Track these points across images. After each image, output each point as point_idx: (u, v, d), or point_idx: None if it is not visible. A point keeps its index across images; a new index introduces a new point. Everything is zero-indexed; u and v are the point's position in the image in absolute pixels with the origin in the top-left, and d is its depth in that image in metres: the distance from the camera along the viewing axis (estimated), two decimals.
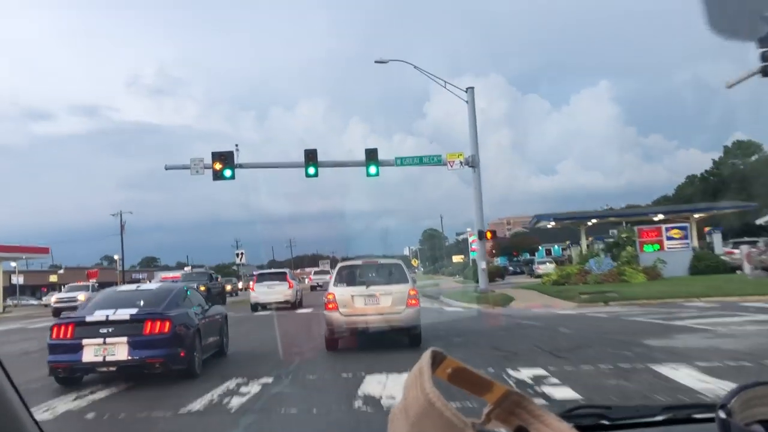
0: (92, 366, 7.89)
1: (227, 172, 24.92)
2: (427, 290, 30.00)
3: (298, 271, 61.47)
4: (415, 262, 74.18)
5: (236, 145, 25.56)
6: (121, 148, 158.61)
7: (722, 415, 0.74)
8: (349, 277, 11.10)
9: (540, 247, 66.39)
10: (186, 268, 56.42)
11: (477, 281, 27.42)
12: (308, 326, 15.40)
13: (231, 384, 7.74)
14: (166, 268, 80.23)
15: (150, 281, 32.36)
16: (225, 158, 24.96)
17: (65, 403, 7.08)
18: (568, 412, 1.38)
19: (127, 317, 8.00)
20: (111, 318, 7.98)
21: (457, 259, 71.51)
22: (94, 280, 40.20)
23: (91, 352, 7.81)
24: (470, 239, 49.23)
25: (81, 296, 29.88)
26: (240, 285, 50.86)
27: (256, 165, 27.50)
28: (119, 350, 7.84)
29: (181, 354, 8.14)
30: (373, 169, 25.42)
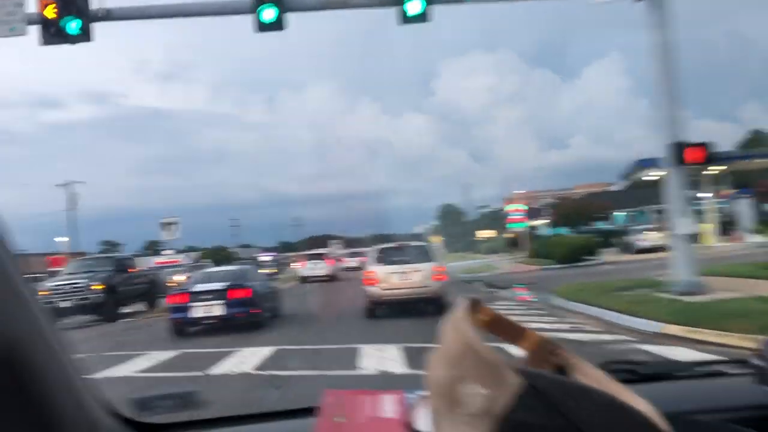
0: (199, 320, 11.83)
1: (71, 25, 11.10)
2: (488, 278, 22.49)
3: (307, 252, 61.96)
4: (437, 239, 71.21)
5: None
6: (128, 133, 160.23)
7: (758, 362, 0.79)
8: (385, 257, 13.37)
9: (612, 214, 52.05)
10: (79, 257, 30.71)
11: (557, 260, 25.96)
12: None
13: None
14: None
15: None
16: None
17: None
18: (599, 366, 1.28)
19: (220, 287, 11.93)
20: (210, 289, 11.93)
21: (484, 234, 68.33)
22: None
23: (198, 311, 11.76)
24: (508, 208, 47.04)
25: None
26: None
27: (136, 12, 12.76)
28: (216, 309, 11.74)
29: (255, 312, 12.01)
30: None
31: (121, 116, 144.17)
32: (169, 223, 30.22)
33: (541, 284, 16.31)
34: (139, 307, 19.40)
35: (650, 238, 29.68)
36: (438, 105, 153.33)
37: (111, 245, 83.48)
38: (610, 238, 38.10)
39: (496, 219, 72.11)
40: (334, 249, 61.35)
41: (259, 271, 17.06)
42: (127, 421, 1.12)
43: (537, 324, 9.76)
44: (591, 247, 28.23)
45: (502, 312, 0.73)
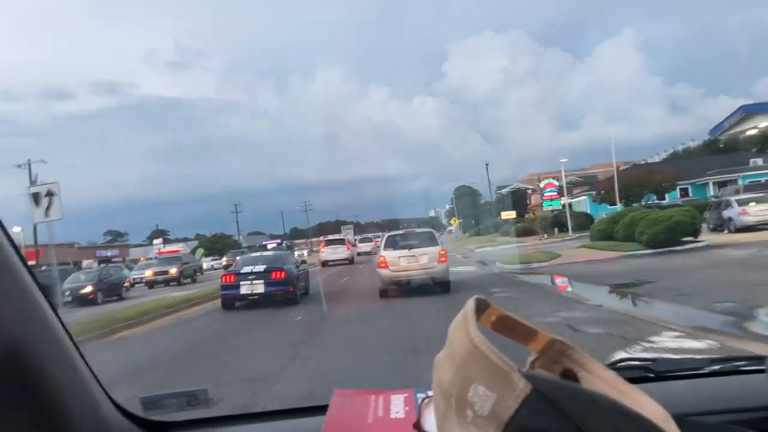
0: (245, 296, 14.56)
1: None
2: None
3: (321, 238, 58.19)
4: (455, 222, 69.98)
5: None
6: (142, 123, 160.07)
7: None
8: (394, 243, 15.05)
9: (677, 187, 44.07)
10: None
11: (645, 243, 19.60)
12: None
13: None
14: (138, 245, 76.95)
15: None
16: None
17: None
18: (611, 364, 1.34)
19: (262, 269, 14.65)
20: (254, 270, 14.65)
21: (506, 215, 72.21)
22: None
23: (244, 288, 14.49)
24: (544, 184, 43.20)
25: None
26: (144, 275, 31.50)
27: None
28: (258, 287, 14.47)
29: (291, 289, 14.70)
30: None
31: (131, 106, 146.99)
32: (41, 195, 15.95)
33: (700, 289, 10.61)
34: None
35: (756, 212, 23.26)
36: (449, 87, 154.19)
37: (116, 235, 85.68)
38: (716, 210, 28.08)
39: (518, 199, 68.96)
40: (345, 234, 63.62)
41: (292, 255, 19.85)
42: (136, 420, 1.16)
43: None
44: (694, 225, 20.51)
45: None
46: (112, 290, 23.84)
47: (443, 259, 14.44)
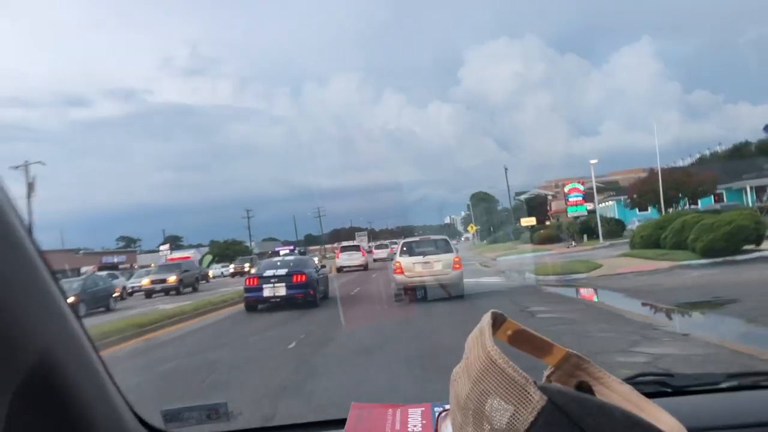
0: (268, 299, 15.24)
1: None
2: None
3: (336, 244, 58.56)
4: (472, 228, 67.91)
5: None
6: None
7: None
8: (410, 249, 15.55)
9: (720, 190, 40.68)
10: None
11: (701, 252, 17.62)
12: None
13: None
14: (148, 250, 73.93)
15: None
16: None
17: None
18: (628, 379, 1.31)
19: (284, 273, 15.33)
20: (276, 274, 15.31)
21: (526, 222, 63.67)
22: None
23: (267, 291, 15.15)
24: (568, 188, 40.59)
25: None
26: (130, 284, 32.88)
27: None
28: (280, 290, 15.16)
29: (311, 293, 15.36)
30: None
31: (146, 113, 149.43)
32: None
33: None
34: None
35: None
36: (464, 94, 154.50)
37: (129, 241, 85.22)
38: None
39: (537, 205, 67.45)
40: (359, 241, 64.31)
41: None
42: None
43: None
44: (758, 230, 18.29)
45: None
46: (97, 301, 21.90)
47: (457, 266, 14.88)
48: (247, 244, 75.89)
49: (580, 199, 39.95)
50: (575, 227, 38.91)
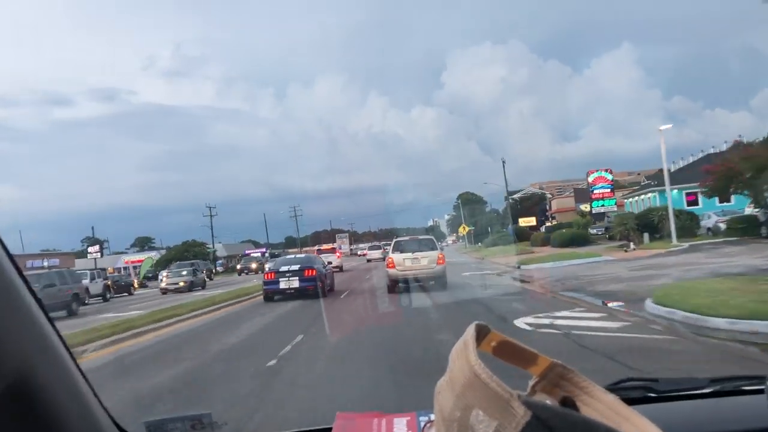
0: (283, 290, 18.21)
1: None
2: None
3: (316, 247, 57.33)
4: (464, 229, 64.51)
5: None
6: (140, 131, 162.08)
7: None
8: (401, 247, 18.55)
9: None
10: None
11: None
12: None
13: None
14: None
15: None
16: None
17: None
18: (614, 384, 1.38)
19: (297, 268, 18.34)
20: (290, 269, 18.30)
21: (525, 222, 58.68)
22: None
23: (283, 284, 18.13)
24: (593, 177, 34.70)
25: None
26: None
27: None
28: (293, 283, 18.17)
29: (319, 285, 18.34)
30: None
31: (129, 113, 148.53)
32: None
33: None
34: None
35: None
36: (448, 97, 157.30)
37: (94, 242, 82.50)
38: None
39: (532, 204, 67.92)
40: (340, 243, 67.25)
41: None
42: None
43: None
44: None
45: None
46: None
47: (441, 261, 17.90)
48: (209, 246, 68.75)
49: (608, 191, 33.44)
50: (631, 224, 29.84)
